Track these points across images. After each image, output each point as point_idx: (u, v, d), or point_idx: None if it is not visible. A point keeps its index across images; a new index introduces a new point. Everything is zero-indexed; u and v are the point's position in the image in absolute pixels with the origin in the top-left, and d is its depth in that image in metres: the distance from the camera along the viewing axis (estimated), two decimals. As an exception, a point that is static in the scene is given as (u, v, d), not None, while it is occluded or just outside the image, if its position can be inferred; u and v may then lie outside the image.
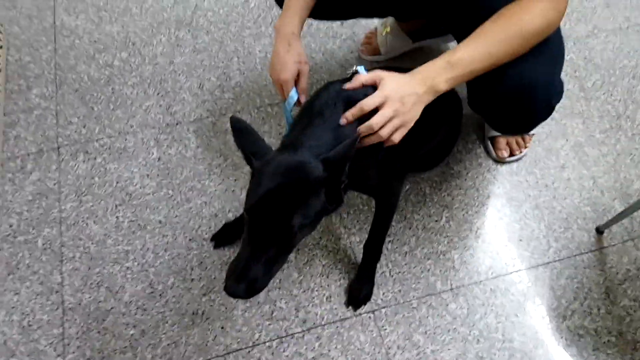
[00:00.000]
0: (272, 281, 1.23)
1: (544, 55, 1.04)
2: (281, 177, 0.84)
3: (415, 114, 0.94)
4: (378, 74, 0.96)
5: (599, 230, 1.38)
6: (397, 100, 0.91)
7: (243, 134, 0.92)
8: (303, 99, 1.11)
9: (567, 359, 1.22)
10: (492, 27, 0.96)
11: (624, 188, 1.46)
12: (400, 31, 1.59)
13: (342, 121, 0.93)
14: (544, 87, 1.05)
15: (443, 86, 0.94)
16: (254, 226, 0.83)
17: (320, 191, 0.85)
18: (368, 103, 0.92)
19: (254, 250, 0.83)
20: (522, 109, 1.07)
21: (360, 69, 1.04)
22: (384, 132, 0.92)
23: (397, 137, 0.94)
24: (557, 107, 1.58)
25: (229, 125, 1.53)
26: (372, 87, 0.95)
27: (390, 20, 1.60)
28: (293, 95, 1.09)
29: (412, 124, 0.95)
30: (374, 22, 1.73)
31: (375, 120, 0.91)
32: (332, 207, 0.88)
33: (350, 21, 1.75)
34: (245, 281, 0.82)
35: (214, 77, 1.66)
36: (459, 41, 1.01)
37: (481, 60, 0.95)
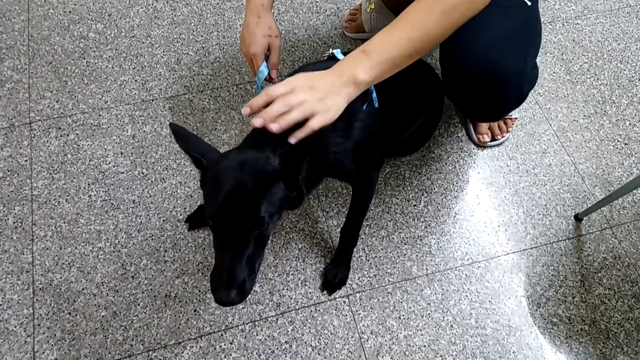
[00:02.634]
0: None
1: (516, 40, 1.01)
2: (236, 172, 0.81)
3: (333, 103, 0.87)
4: (288, 79, 0.89)
5: (578, 218, 1.38)
6: (307, 89, 0.85)
7: (185, 137, 0.89)
8: (274, 75, 1.08)
9: (540, 347, 1.22)
10: (411, 10, 0.91)
11: (606, 175, 1.45)
12: (385, 8, 1.54)
13: (245, 110, 0.86)
14: (515, 74, 1.01)
15: (363, 76, 0.88)
16: (224, 229, 0.81)
17: (278, 180, 0.83)
18: (274, 90, 0.86)
19: (233, 253, 0.81)
20: (493, 96, 1.04)
21: (337, 52, 1.01)
22: (292, 117, 0.84)
23: (314, 124, 0.85)
24: (542, 90, 1.57)
25: (206, 102, 1.51)
26: None
27: (374, -3, 1.55)
28: (263, 69, 1.05)
29: (331, 114, 0.87)
30: (359, -2, 1.69)
31: (273, 107, 0.84)
32: (293, 193, 0.86)
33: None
34: (234, 286, 0.80)
35: (192, 52, 1.61)
36: None
37: (400, 46, 0.90)
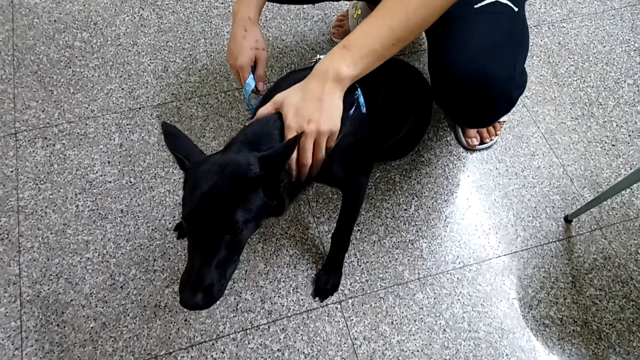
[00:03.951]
0: (236, 272, 1.22)
1: (504, 46, 1.01)
2: (215, 175, 0.80)
3: (332, 113, 0.88)
4: (275, 100, 0.90)
5: (568, 219, 1.38)
6: (305, 124, 0.86)
7: (175, 138, 0.88)
8: (261, 87, 1.07)
9: (532, 349, 1.22)
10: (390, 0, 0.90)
11: (594, 176, 1.46)
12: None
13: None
14: (503, 80, 1.01)
15: (347, 72, 0.87)
16: (197, 232, 0.80)
17: (258, 187, 0.82)
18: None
19: (203, 256, 0.79)
20: (482, 103, 1.04)
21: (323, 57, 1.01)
22: (317, 155, 0.89)
23: (331, 144, 0.90)
24: (529, 93, 1.58)
25: (194, 110, 1.50)
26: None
27: (360, 2, 1.55)
28: (250, 82, 1.05)
29: (337, 120, 0.88)
30: (346, 4, 1.69)
31: (302, 160, 0.87)
32: (273, 203, 0.85)
33: (321, 3, 1.69)
34: (200, 290, 0.78)
35: (179, 59, 1.60)
36: None
37: (381, 37, 0.88)
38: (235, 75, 1.09)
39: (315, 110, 0.86)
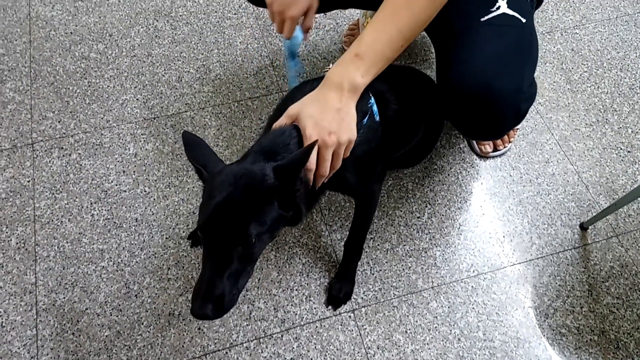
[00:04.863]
0: (249, 281, 1.22)
1: (512, 58, 1.00)
2: (230, 187, 0.80)
3: (350, 124, 0.89)
4: (290, 113, 0.91)
5: (583, 227, 1.37)
6: (325, 135, 0.86)
7: (195, 147, 0.89)
8: (306, 38, 1.06)
9: (549, 359, 1.20)
10: (393, 1, 0.90)
11: (610, 183, 1.44)
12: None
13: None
14: (511, 92, 1.00)
15: (361, 80, 0.89)
16: (211, 242, 0.80)
17: (272, 199, 0.82)
18: (311, 161, 0.87)
19: (216, 266, 0.80)
20: (490, 115, 1.02)
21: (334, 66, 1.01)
22: (335, 165, 0.90)
23: (347, 153, 0.91)
24: (542, 100, 1.57)
25: (208, 119, 1.52)
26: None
27: (371, 11, 1.56)
28: (298, 35, 1.02)
29: (353, 130, 0.90)
30: (357, 13, 1.70)
31: (321, 171, 0.88)
32: (288, 214, 0.85)
33: (332, 12, 1.70)
34: (211, 300, 0.78)
35: (193, 70, 1.62)
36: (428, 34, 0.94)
37: (391, 42, 0.89)
38: (277, 25, 1.03)
39: (334, 122, 0.87)
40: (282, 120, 0.91)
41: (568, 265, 1.32)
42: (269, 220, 0.82)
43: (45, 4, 1.74)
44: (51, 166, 1.43)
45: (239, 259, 0.81)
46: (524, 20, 1.05)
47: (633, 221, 1.38)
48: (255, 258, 0.85)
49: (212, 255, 0.81)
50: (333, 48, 1.67)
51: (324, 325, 1.23)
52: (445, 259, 1.32)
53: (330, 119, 0.87)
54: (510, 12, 1.04)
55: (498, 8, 1.04)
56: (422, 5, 0.89)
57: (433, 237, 1.35)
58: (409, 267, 1.31)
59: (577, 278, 1.30)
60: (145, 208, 1.37)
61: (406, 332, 1.23)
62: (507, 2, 1.04)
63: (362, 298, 1.27)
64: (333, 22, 1.73)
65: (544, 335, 1.23)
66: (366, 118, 0.98)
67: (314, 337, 1.22)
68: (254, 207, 0.80)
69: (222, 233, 0.79)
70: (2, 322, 1.23)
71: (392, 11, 0.90)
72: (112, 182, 1.41)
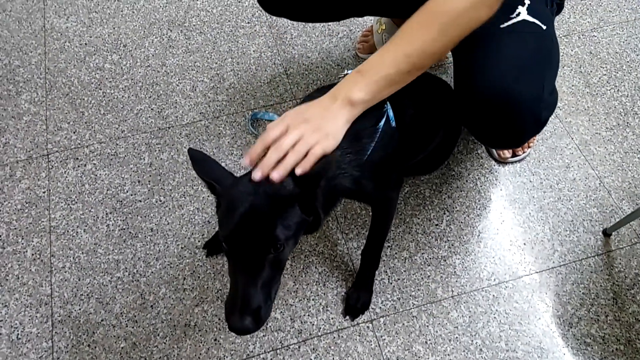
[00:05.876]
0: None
1: (532, 65, 0.98)
2: (251, 196, 0.80)
3: (331, 128, 0.87)
4: (284, 114, 0.90)
5: (606, 233, 1.33)
6: (300, 123, 0.85)
7: (202, 162, 0.88)
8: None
9: (574, 369, 1.17)
10: (409, 25, 0.90)
11: (632, 188, 1.40)
12: (396, 28, 1.53)
13: (245, 162, 0.86)
14: (531, 100, 0.97)
15: (358, 95, 0.88)
16: (239, 253, 0.79)
17: (294, 204, 0.81)
18: (268, 135, 0.86)
19: (247, 277, 0.79)
20: (509, 123, 0.99)
21: (350, 73, 1.00)
22: (289, 162, 0.83)
23: (316, 152, 0.85)
24: (561, 104, 1.54)
25: (222, 128, 1.51)
26: None
27: (385, 18, 1.54)
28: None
29: (331, 139, 0.86)
30: (371, 20, 1.68)
31: (269, 158, 0.83)
32: (310, 218, 0.84)
33: (346, 19, 1.69)
34: (250, 312, 0.77)
35: (207, 79, 1.61)
36: None
37: (395, 63, 0.89)
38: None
39: (315, 115, 0.87)
40: (277, 122, 0.90)
41: (592, 272, 1.29)
42: (293, 224, 0.81)
43: (60, 16, 1.75)
44: (66, 177, 1.43)
45: (270, 265, 0.80)
46: (544, 27, 1.03)
47: (658, 227, 1.35)
48: (284, 264, 0.84)
49: (241, 266, 0.80)
50: (347, 55, 1.66)
51: (342, 336, 1.21)
52: (465, 267, 1.29)
53: (312, 112, 0.87)
54: (531, 19, 1.02)
55: (518, 15, 1.02)
56: (433, 37, 0.89)
57: (452, 245, 1.33)
58: (428, 276, 1.29)
59: (601, 286, 1.27)
60: (161, 218, 1.36)
61: (426, 342, 1.20)
62: (527, 9, 1.02)
63: (381, 308, 1.25)
64: (346, 29, 1.72)
65: (568, 345, 1.20)
66: (382, 122, 0.96)
67: (332, 348, 1.20)
68: (278, 211, 0.80)
69: (251, 240, 0.78)
70: (18, 334, 1.22)
71: (406, 35, 0.90)
72: (127, 192, 1.41)
